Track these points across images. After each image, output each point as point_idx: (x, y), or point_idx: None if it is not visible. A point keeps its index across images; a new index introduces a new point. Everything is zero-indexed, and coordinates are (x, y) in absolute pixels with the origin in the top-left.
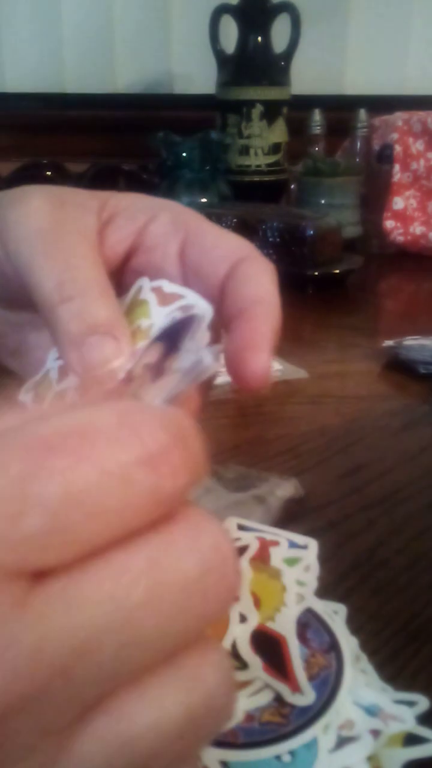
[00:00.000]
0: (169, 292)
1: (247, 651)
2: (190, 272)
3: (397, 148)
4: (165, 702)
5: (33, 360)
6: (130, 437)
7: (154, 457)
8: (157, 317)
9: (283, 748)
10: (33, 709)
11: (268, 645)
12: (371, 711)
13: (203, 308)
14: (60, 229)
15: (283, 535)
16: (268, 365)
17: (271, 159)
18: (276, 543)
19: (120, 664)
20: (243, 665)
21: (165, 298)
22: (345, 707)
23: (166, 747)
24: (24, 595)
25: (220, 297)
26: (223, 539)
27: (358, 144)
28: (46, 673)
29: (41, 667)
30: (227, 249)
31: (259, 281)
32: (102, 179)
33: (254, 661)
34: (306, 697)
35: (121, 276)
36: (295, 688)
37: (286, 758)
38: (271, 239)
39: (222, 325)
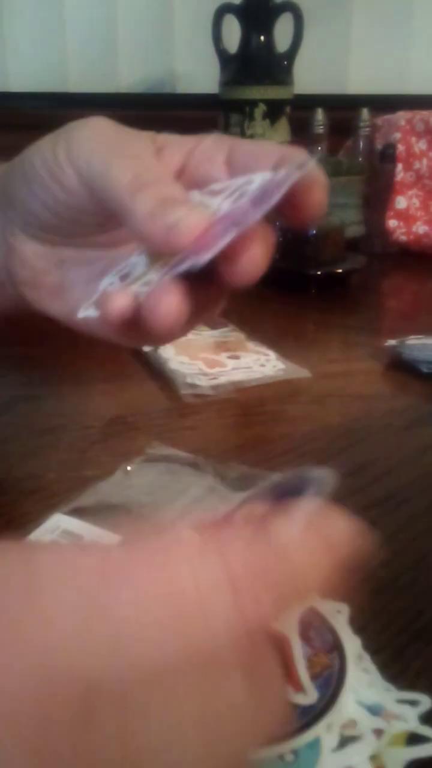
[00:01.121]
0: (218, 189)
1: None
2: (240, 173)
3: (400, 148)
4: None
5: (74, 298)
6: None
7: (235, 582)
8: (212, 208)
9: (285, 747)
10: None
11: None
12: (374, 710)
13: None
14: (126, 141)
15: None
16: (322, 201)
17: None
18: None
19: None
20: None
21: (215, 194)
22: (348, 707)
23: None
24: (81, 714)
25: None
26: (280, 698)
27: (361, 143)
28: None
29: None
30: (272, 148)
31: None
32: None
33: None
34: (308, 696)
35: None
36: (298, 687)
37: (289, 757)
38: None
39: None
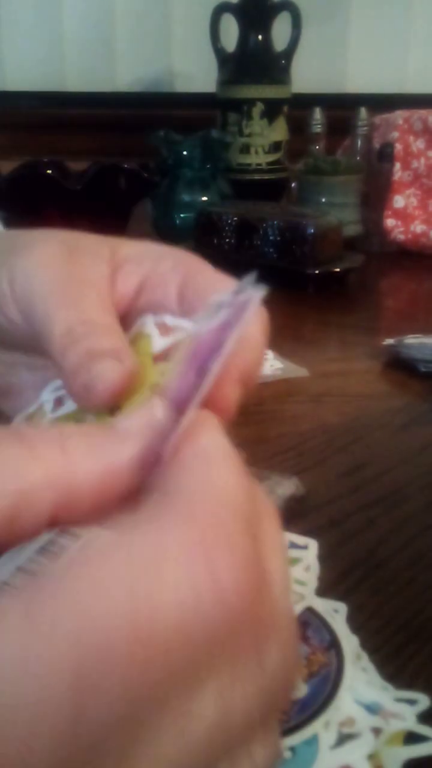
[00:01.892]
0: (171, 324)
1: None
2: (187, 311)
3: (398, 147)
4: None
5: (24, 400)
6: (205, 582)
7: (226, 594)
8: (158, 347)
9: (283, 744)
10: None
11: None
12: (372, 709)
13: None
14: (71, 278)
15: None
16: (236, 399)
17: (272, 157)
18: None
19: None
20: None
21: (167, 330)
22: (346, 705)
23: None
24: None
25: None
26: (287, 666)
27: (359, 142)
28: None
29: None
30: (221, 290)
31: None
32: (102, 178)
33: None
34: (297, 690)
35: (129, 316)
36: None
37: (287, 754)
38: (271, 238)
39: None
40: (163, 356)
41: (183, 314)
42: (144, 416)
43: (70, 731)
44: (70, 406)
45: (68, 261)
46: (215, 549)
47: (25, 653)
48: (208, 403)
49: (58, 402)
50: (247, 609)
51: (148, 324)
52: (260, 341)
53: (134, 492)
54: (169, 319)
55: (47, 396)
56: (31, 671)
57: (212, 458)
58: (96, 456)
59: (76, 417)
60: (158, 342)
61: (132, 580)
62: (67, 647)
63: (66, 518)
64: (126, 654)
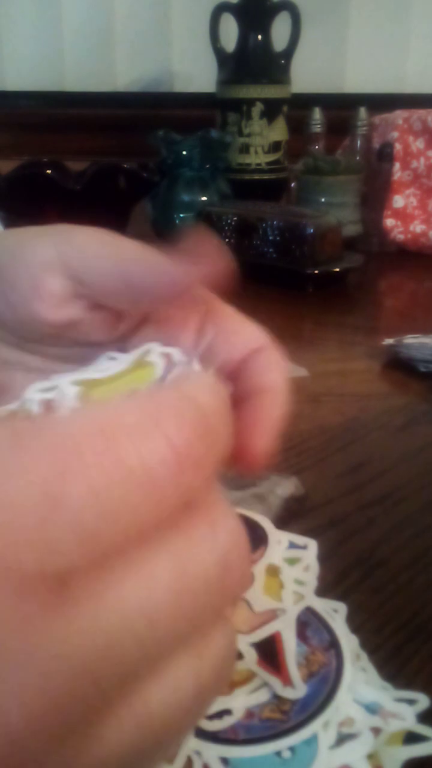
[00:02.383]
0: (176, 360)
1: (244, 643)
2: (205, 347)
3: (398, 147)
4: (179, 681)
5: (13, 399)
6: (153, 432)
7: (178, 453)
8: (159, 379)
9: (283, 744)
10: (62, 709)
11: (263, 639)
12: (371, 709)
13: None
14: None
15: (283, 536)
16: (269, 450)
17: (272, 157)
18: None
19: (142, 661)
20: (239, 656)
21: (171, 365)
22: (345, 704)
23: (178, 720)
24: (51, 600)
25: (229, 378)
26: (240, 534)
27: (359, 142)
28: (74, 675)
29: (70, 670)
30: (247, 337)
31: (272, 372)
32: (102, 178)
33: (249, 653)
34: (296, 690)
35: (134, 336)
36: (287, 681)
37: (286, 754)
38: (271, 237)
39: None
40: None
41: (197, 347)
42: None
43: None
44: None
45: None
46: (168, 413)
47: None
48: (237, 455)
49: (48, 407)
50: (194, 459)
51: (154, 353)
52: (284, 394)
53: None
54: (176, 354)
55: (32, 395)
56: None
57: (193, 377)
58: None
59: None
60: (160, 375)
61: (99, 426)
62: (44, 461)
63: None
64: (93, 461)
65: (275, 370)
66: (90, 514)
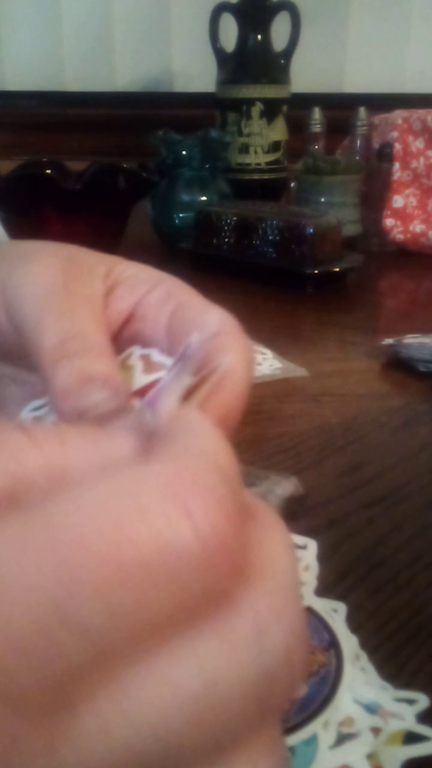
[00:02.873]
0: (155, 361)
1: None
2: (174, 342)
3: (397, 146)
4: None
5: (7, 413)
6: (174, 512)
7: (204, 539)
8: (139, 383)
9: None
10: None
11: None
12: (371, 709)
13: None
14: (66, 290)
15: None
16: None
17: (271, 157)
18: None
19: None
20: None
21: (150, 367)
22: (345, 704)
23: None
24: (46, 717)
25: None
26: (292, 639)
27: (358, 142)
28: None
29: None
30: (207, 322)
31: (231, 356)
32: (101, 178)
33: None
34: (301, 685)
35: (116, 342)
36: None
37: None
38: (270, 237)
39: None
40: (141, 393)
41: (171, 348)
42: (131, 418)
43: (52, 637)
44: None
45: (64, 274)
46: (190, 488)
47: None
48: None
49: (38, 422)
50: (228, 551)
51: (134, 356)
52: (242, 376)
53: None
54: (155, 355)
55: (26, 414)
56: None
57: (194, 427)
58: (93, 448)
59: None
60: (140, 378)
61: (103, 508)
62: (45, 554)
63: None
64: (103, 576)
65: (232, 353)
66: (98, 618)
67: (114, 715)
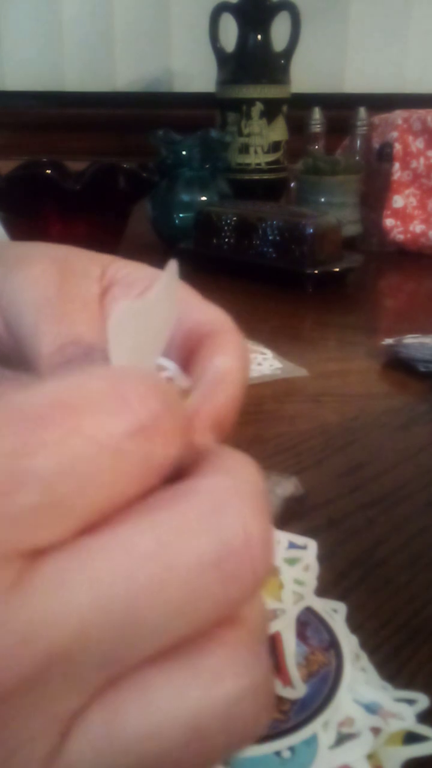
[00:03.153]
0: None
1: None
2: (172, 341)
3: (397, 147)
4: (169, 703)
5: None
6: (120, 406)
7: (145, 427)
8: None
9: (282, 744)
10: (31, 694)
11: None
12: (371, 709)
13: (182, 383)
14: (62, 295)
15: (283, 536)
16: (216, 438)
17: (271, 157)
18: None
19: (123, 649)
20: None
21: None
22: (345, 704)
23: (164, 759)
24: (19, 576)
25: (186, 364)
26: (251, 518)
27: (358, 142)
28: (42, 656)
29: (37, 650)
30: (202, 320)
31: (226, 356)
32: (101, 178)
33: None
34: (296, 690)
35: None
36: (286, 681)
37: (286, 754)
38: (270, 237)
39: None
40: None
41: (168, 347)
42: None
43: None
44: None
45: (59, 277)
46: (128, 385)
47: None
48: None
49: None
50: (162, 433)
51: None
52: (237, 378)
53: None
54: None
55: None
56: None
57: None
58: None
59: None
60: None
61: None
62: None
63: None
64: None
65: (229, 354)
66: (58, 486)
67: (79, 580)
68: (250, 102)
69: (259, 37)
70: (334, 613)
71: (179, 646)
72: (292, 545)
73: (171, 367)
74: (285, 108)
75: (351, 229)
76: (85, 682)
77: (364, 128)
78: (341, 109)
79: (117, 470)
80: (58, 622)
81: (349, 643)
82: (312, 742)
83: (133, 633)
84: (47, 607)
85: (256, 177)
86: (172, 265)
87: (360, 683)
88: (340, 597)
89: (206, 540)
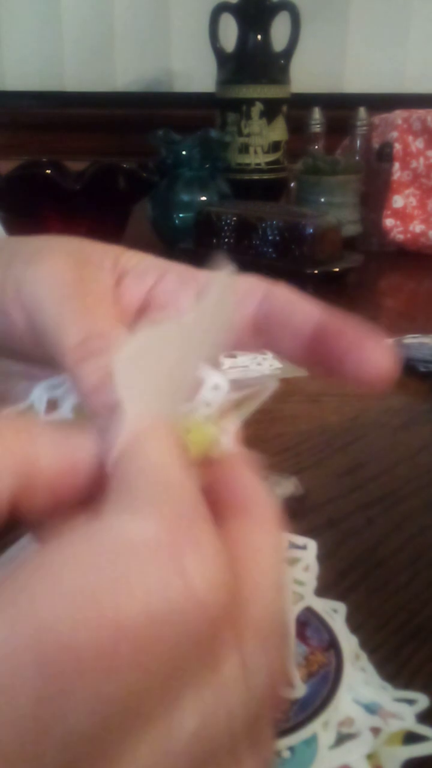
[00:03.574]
0: (221, 385)
1: None
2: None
3: (397, 147)
4: None
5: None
6: (171, 570)
7: (198, 595)
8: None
9: (282, 744)
10: None
11: None
12: (371, 709)
13: (223, 388)
14: (82, 288)
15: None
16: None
17: (271, 157)
18: None
19: None
20: None
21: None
22: (344, 704)
23: None
24: None
25: (252, 331)
26: (276, 665)
27: (358, 142)
28: None
29: None
30: (245, 288)
31: (300, 303)
32: (101, 178)
33: None
34: (296, 690)
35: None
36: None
37: (286, 754)
38: (270, 237)
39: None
40: None
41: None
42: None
43: (32, 750)
44: (65, 412)
45: (76, 270)
46: (183, 547)
47: None
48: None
49: (52, 405)
50: (221, 607)
51: (206, 387)
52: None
53: (93, 496)
54: (221, 381)
55: (39, 393)
56: None
57: (158, 457)
58: (60, 447)
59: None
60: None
61: (96, 585)
62: (29, 662)
63: (26, 505)
64: (93, 668)
65: (300, 300)
66: (89, 722)
67: None
68: (250, 102)
69: (259, 37)
70: (334, 613)
71: None
72: (291, 545)
73: (221, 382)
74: (285, 108)
75: (351, 229)
76: None
77: (364, 128)
78: (341, 109)
79: (171, 646)
80: None
81: (348, 643)
82: (312, 742)
83: None
84: None
85: (255, 177)
86: (224, 268)
87: (360, 683)
88: (340, 597)
89: (240, 710)
